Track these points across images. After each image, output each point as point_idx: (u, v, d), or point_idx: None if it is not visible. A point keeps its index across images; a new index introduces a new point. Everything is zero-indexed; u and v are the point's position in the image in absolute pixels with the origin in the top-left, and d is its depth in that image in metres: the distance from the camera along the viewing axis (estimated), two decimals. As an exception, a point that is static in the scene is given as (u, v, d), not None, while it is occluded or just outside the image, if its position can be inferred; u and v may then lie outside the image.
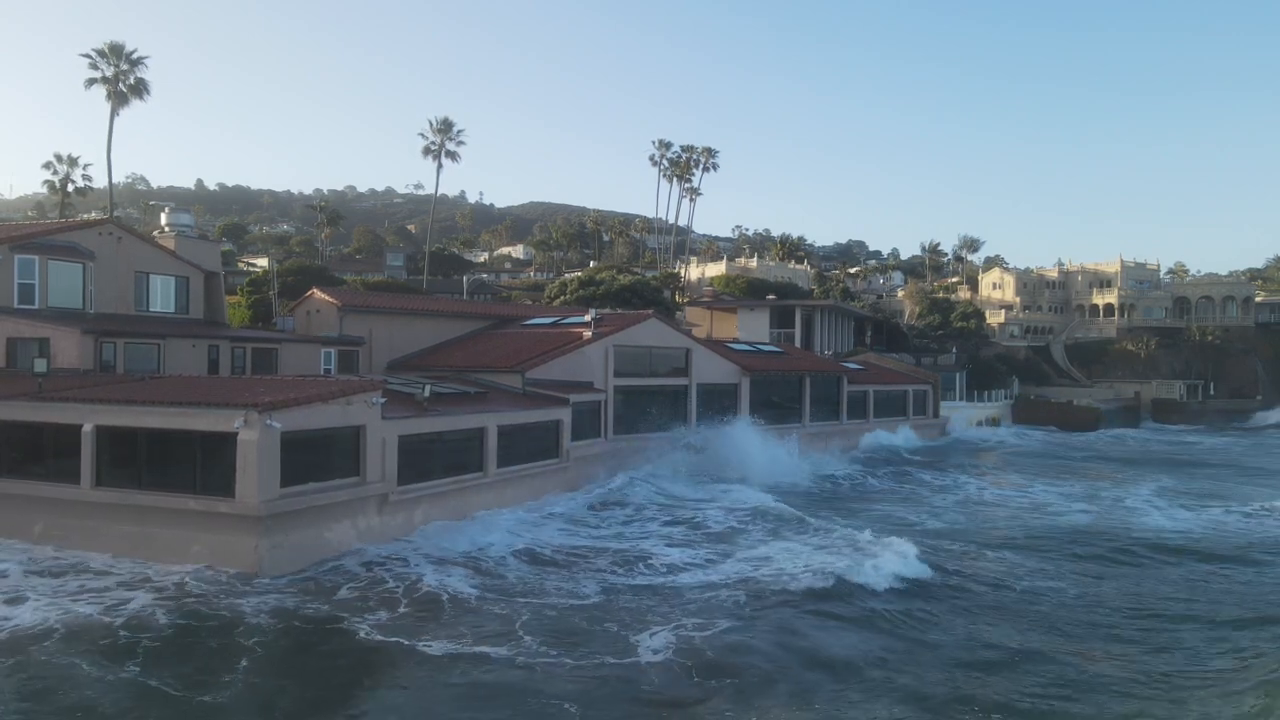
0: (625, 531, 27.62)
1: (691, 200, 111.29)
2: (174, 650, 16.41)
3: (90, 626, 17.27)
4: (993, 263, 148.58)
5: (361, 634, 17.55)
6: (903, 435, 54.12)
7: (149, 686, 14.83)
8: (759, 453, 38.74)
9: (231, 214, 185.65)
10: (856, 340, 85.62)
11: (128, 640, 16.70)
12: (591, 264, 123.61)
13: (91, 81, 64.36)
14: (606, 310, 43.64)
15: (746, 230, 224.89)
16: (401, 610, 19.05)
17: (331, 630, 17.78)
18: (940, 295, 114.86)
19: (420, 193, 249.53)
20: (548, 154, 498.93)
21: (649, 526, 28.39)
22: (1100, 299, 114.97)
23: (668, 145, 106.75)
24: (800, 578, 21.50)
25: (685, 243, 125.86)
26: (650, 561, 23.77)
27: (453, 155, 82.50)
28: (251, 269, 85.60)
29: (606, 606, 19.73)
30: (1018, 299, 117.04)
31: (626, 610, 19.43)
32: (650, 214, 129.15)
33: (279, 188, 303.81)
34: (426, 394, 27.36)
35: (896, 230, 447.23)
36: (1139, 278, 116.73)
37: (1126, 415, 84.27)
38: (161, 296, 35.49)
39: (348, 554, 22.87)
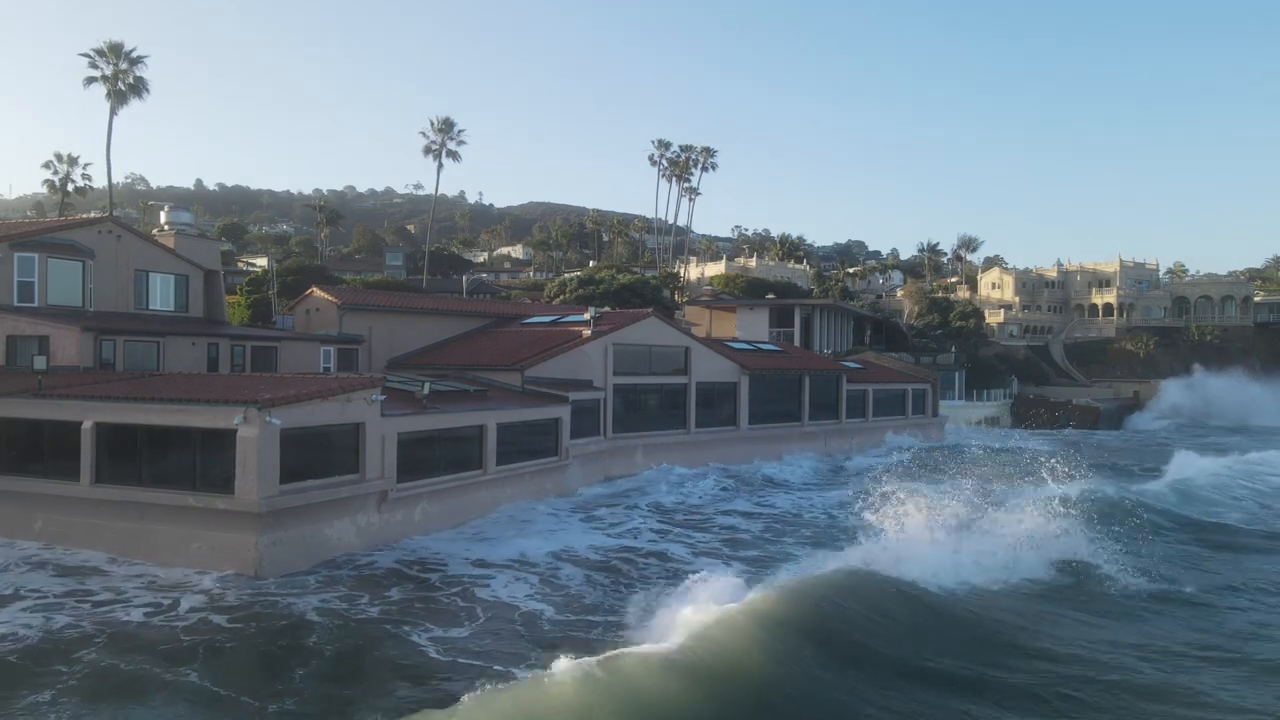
0: (640, 530, 27.45)
1: (691, 200, 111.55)
2: (230, 656, 15.90)
3: (126, 631, 16.99)
4: (992, 262, 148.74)
5: (432, 653, 16.13)
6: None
7: (211, 692, 14.27)
8: None
9: (231, 214, 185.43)
10: (856, 339, 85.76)
11: (179, 644, 16.31)
12: (591, 264, 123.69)
13: (91, 80, 64.47)
14: (606, 309, 43.61)
15: (746, 230, 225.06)
16: (476, 626, 17.66)
17: (395, 653, 16.18)
18: (939, 295, 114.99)
19: (420, 193, 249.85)
20: (547, 154, 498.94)
21: (650, 523, 28.37)
22: (1099, 299, 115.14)
23: (667, 145, 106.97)
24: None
25: (684, 243, 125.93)
26: (674, 560, 23.46)
27: (453, 155, 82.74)
28: (251, 269, 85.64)
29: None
30: (1017, 298, 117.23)
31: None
32: (649, 214, 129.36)
33: (278, 188, 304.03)
34: (426, 391, 27.36)
35: (896, 230, 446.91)
36: (1138, 277, 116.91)
37: (1125, 415, 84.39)
38: (161, 294, 35.50)
39: (375, 554, 22.80)
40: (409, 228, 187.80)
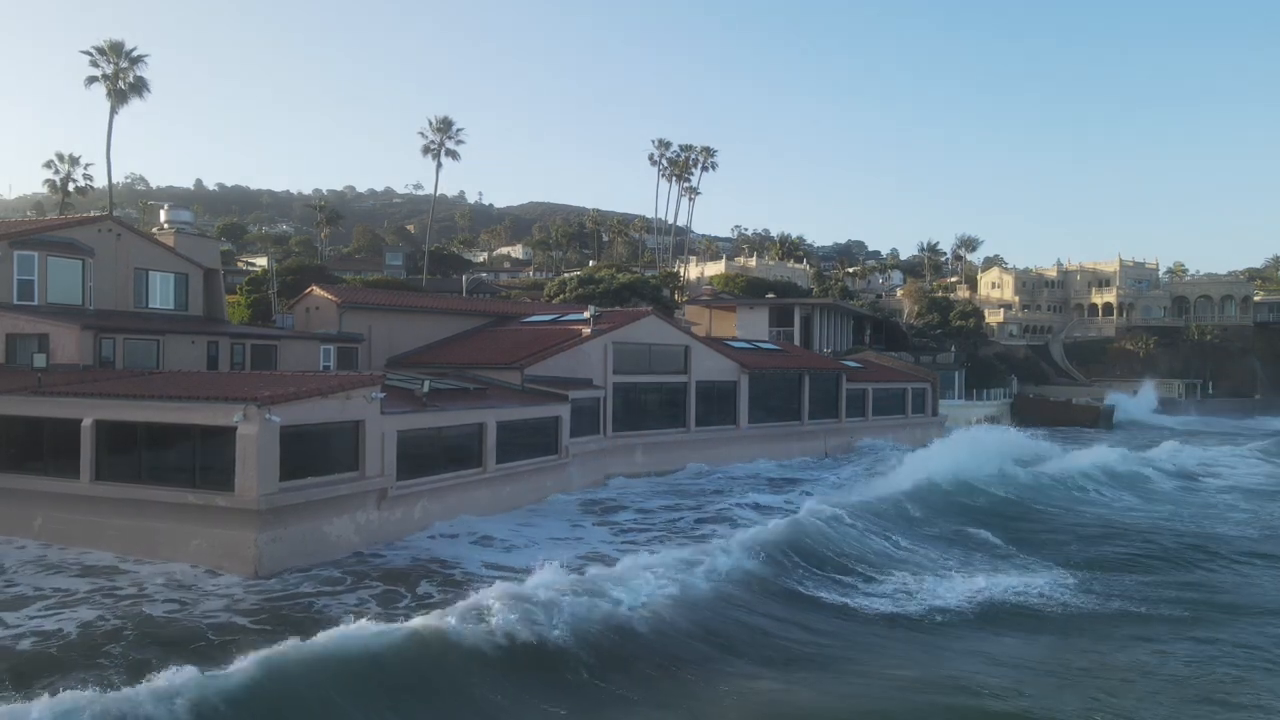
0: (663, 534, 26.82)
1: (690, 199, 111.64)
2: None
3: (152, 628, 16.82)
4: (991, 262, 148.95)
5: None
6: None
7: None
8: None
9: (231, 214, 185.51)
10: (856, 339, 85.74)
11: (209, 643, 16.07)
12: (590, 263, 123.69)
13: (91, 80, 64.51)
14: (605, 308, 43.61)
15: (745, 230, 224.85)
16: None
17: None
18: (939, 294, 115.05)
19: (419, 193, 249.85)
20: (547, 154, 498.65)
21: (664, 524, 28.16)
22: (1099, 298, 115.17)
23: (667, 145, 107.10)
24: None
25: (684, 242, 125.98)
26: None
27: (452, 154, 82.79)
28: (251, 268, 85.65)
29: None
30: (1016, 298, 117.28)
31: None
32: (649, 214, 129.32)
33: (278, 188, 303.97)
34: (425, 390, 27.34)
35: (895, 230, 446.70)
36: (1138, 277, 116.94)
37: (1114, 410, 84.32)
38: (161, 293, 35.52)
39: (387, 553, 22.68)
40: (409, 228, 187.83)
